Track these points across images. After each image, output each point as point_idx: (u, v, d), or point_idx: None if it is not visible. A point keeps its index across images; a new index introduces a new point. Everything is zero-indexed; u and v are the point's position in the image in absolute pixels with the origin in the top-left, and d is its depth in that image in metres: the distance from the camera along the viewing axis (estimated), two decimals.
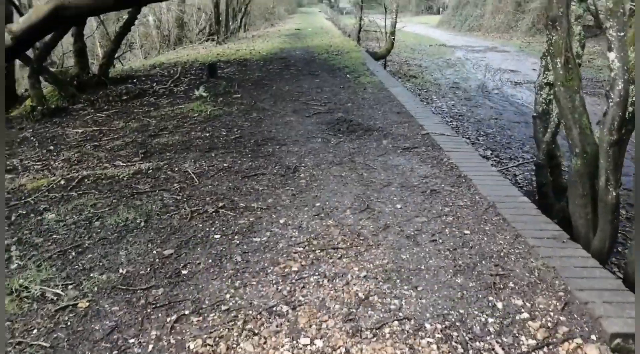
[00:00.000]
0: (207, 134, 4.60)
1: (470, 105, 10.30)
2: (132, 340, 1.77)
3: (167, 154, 4.07)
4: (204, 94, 6.71)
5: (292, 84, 7.22)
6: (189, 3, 22.86)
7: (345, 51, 11.29)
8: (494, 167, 3.55)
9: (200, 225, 2.65)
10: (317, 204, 2.90)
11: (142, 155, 4.06)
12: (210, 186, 3.25)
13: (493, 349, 1.71)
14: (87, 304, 1.99)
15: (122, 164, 3.87)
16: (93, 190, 3.25)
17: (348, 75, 7.86)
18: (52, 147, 4.60)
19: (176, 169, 3.64)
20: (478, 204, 2.84)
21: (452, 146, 4.00)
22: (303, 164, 3.68)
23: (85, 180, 3.45)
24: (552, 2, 2.55)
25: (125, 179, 3.44)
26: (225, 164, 3.69)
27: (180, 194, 3.12)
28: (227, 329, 1.80)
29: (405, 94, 6.33)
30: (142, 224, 2.67)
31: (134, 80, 8.80)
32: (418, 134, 4.38)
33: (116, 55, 19.75)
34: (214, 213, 2.79)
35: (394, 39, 13.71)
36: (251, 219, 2.69)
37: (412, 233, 2.51)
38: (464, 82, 13.21)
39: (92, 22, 13.11)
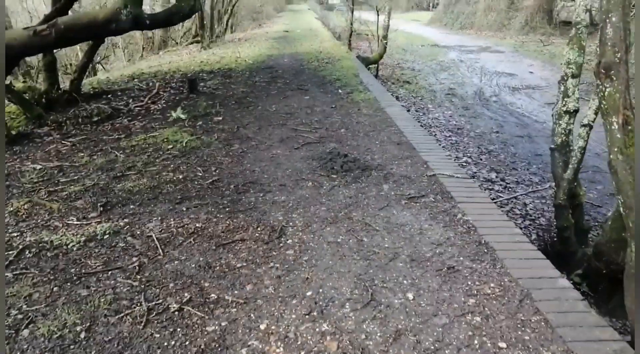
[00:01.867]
0: (181, 176, 3.99)
1: (469, 115, 9.76)
2: None
3: (131, 206, 3.46)
4: (182, 116, 6.09)
5: (280, 103, 6.61)
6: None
7: (336, 58, 10.68)
8: (519, 229, 2.98)
9: (157, 335, 2.05)
10: (309, 294, 2.31)
11: (101, 208, 3.44)
12: (176, 262, 2.64)
13: None
14: None
15: (75, 221, 3.25)
16: (33, 268, 2.64)
17: (340, 91, 7.27)
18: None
19: (138, 231, 3.02)
20: (509, 293, 2.27)
21: (464, 194, 3.42)
22: (291, 223, 3.08)
23: (27, 251, 2.84)
24: (605, 46, 1.99)
25: (74, 249, 2.83)
26: (197, 224, 3.09)
27: (139, 276, 2.51)
28: None
29: (403, 115, 5.75)
30: (83, 334, 2.06)
31: (109, 96, 8.15)
32: (423, 175, 3.80)
33: (98, 59, 18.99)
34: (176, 312, 2.19)
35: (386, 43, 13.12)
36: (223, 324, 2.10)
37: (432, 347, 1.94)
38: (460, 88, 12.67)
39: None
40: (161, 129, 5.61)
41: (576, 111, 4.17)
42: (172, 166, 4.27)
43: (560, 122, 4.20)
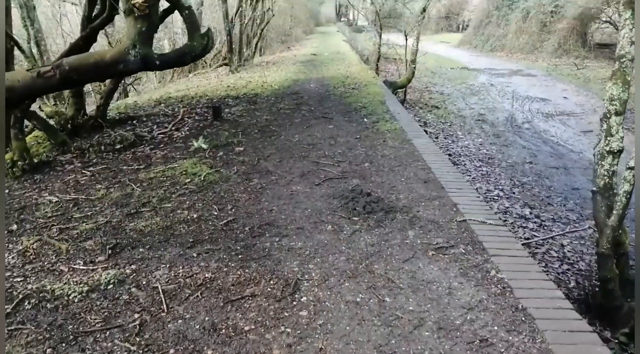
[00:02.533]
0: (195, 215, 3.81)
1: (500, 143, 9.38)
2: None
3: (141, 249, 3.29)
4: (204, 146, 5.98)
5: (303, 132, 6.43)
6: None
7: (362, 84, 10.51)
8: (560, 292, 2.65)
9: None
10: None
11: (110, 251, 3.28)
12: (180, 321, 2.43)
13: None
14: None
15: (82, 266, 3.09)
16: (30, 323, 2.47)
17: (365, 119, 7.05)
18: (14, 228, 3.87)
19: (144, 281, 2.84)
20: None
21: (498, 244, 3.12)
22: (307, 275, 2.84)
23: (27, 302, 2.68)
24: None
25: (76, 301, 2.65)
26: (207, 274, 2.88)
27: (138, 338, 2.31)
28: None
29: (430, 149, 5.48)
30: None
31: (134, 121, 8.17)
32: (453, 221, 3.51)
33: (130, 81, 19.41)
34: None
35: (414, 67, 12.89)
36: None
37: None
38: (491, 113, 12.29)
39: None
40: (181, 159, 5.50)
41: (620, 151, 3.82)
42: (187, 202, 4.11)
43: (602, 162, 3.86)
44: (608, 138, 3.83)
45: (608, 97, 3.89)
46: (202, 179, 4.67)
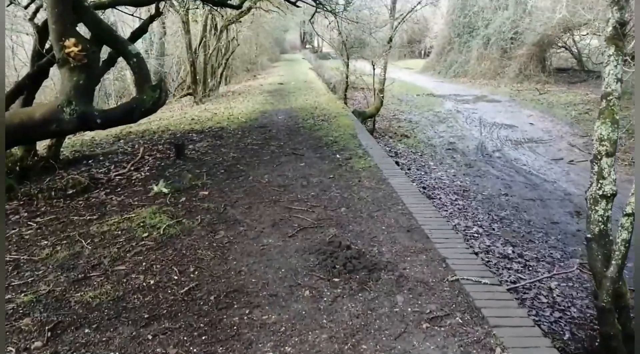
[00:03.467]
0: (152, 281, 3.33)
1: (473, 174, 9.24)
2: None
3: (86, 330, 2.78)
4: (165, 190, 5.49)
5: (273, 171, 6.04)
6: (170, 53, 22.04)
7: (332, 115, 10.25)
8: None
9: None
10: None
11: (49, 334, 2.76)
12: None
13: None
14: None
15: None
16: None
17: (338, 156, 6.73)
18: None
19: None
20: None
21: (497, 310, 2.78)
22: None
23: None
24: None
25: None
26: None
27: None
28: None
29: (409, 189, 5.17)
30: None
31: (90, 161, 7.60)
32: (444, 280, 3.16)
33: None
34: None
35: (382, 96, 12.80)
36: None
37: None
38: (460, 141, 12.25)
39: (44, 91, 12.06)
40: (140, 207, 5.00)
41: (614, 195, 3.60)
42: (144, 263, 3.62)
43: (596, 208, 3.62)
44: (600, 181, 3.61)
45: (597, 137, 3.69)
46: (162, 232, 4.19)
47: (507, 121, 14.61)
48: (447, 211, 7.12)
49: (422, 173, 9.23)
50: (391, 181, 5.41)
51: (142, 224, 4.45)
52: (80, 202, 5.43)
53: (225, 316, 2.85)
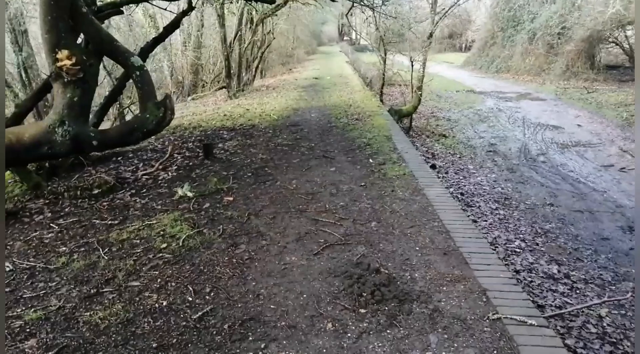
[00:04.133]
0: (165, 302, 3.11)
1: (516, 180, 8.68)
2: None
3: None
4: (189, 194, 5.31)
5: (301, 176, 5.76)
6: (207, 45, 22.08)
7: (367, 114, 9.88)
8: None
9: None
10: None
11: None
12: None
13: None
14: None
15: None
16: None
17: (370, 160, 6.38)
18: None
19: None
20: None
21: None
22: None
23: None
24: None
25: None
26: None
27: None
28: None
29: (447, 203, 4.79)
30: None
31: (119, 158, 7.55)
32: (484, 318, 2.80)
33: (129, 102, 18.87)
34: None
35: (421, 94, 12.29)
36: None
37: None
38: (502, 143, 11.63)
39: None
40: (162, 212, 4.82)
41: None
42: (159, 280, 3.41)
43: None
44: None
45: None
46: (181, 244, 3.98)
47: (552, 122, 13.82)
48: (486, 221, 6.66)
49: (460, 177, 8.75)
50: (427, 192, 5.03)
51: (162, 232, 4.26)
52: (105, 203, 5.32)
53: (238, 350, 2.60)
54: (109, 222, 4.68)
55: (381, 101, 13.26)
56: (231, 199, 5.12)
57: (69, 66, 1.91)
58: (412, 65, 12.37)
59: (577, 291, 4.95)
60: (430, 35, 11.68)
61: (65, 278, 3.56)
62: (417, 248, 3.77)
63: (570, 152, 10.57)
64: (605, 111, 15.03)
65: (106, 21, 16.77)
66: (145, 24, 20.26)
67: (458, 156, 10.47)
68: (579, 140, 11.67)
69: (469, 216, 4.96)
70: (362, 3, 9.12)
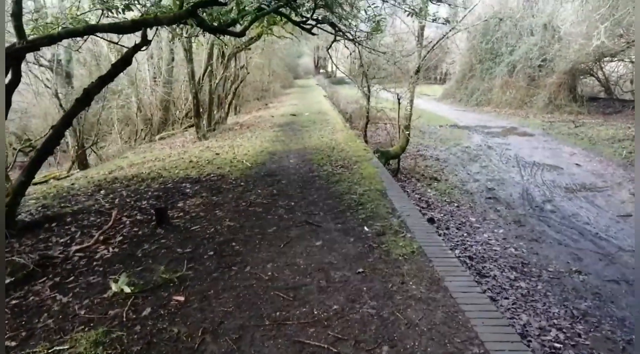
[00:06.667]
0: None
1: (528, 237, 7.50)
2: None
3: None
4: (127, 289, 3.91)
5: (279, 257, 4.42)
6: (180, 79, 20.85)
7: (353, 160, 8.66)
8: None
9: None
10: None
11: None
12: None
13: None
14: None
15: None
16: None
17: (366, 228, 5.09)
18: None
19: None
20: None
21: None
22: None
23: None
24: None
25: None
26: None
27: None
28: None
29: (479, 301, 3.50)
30: None
31: (53, 225, 6.08)
32: None
33: (92, 139, 17.22)
34: None
35: (409, 133, 11.20)
36: None
37: None
38: (500, 187, 10.54)
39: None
40: (83, 325, 3.40)
41: None
42: None
43: None
44: None
45: None
46: None
47: (548, 161, 12.90)
48: (507, 298, 5.41)
49: (464, 234, 7.52)
50: (449, 285, 3.74)
51: None
52: (12, 302, 3.88)
53: None
54: (7, 335, 3.24)
55: (365, 141, 12.12)
56: (182, 299, 3.73)
57: None
58: (399, 103, 11.32)
59: None
60: (418, 70, 10.68)
61: None
62: None
63: (578, 199, 9.51)
64: (600, 147, 14.24)
65: (72, 54, 15.35)
66: (112, 58, 18.96)
67: (456, 204, 9.30)
68: (583, 183, 10.67)
69: (519, 337, 3.66)
70: (345, 37, 8.03)
